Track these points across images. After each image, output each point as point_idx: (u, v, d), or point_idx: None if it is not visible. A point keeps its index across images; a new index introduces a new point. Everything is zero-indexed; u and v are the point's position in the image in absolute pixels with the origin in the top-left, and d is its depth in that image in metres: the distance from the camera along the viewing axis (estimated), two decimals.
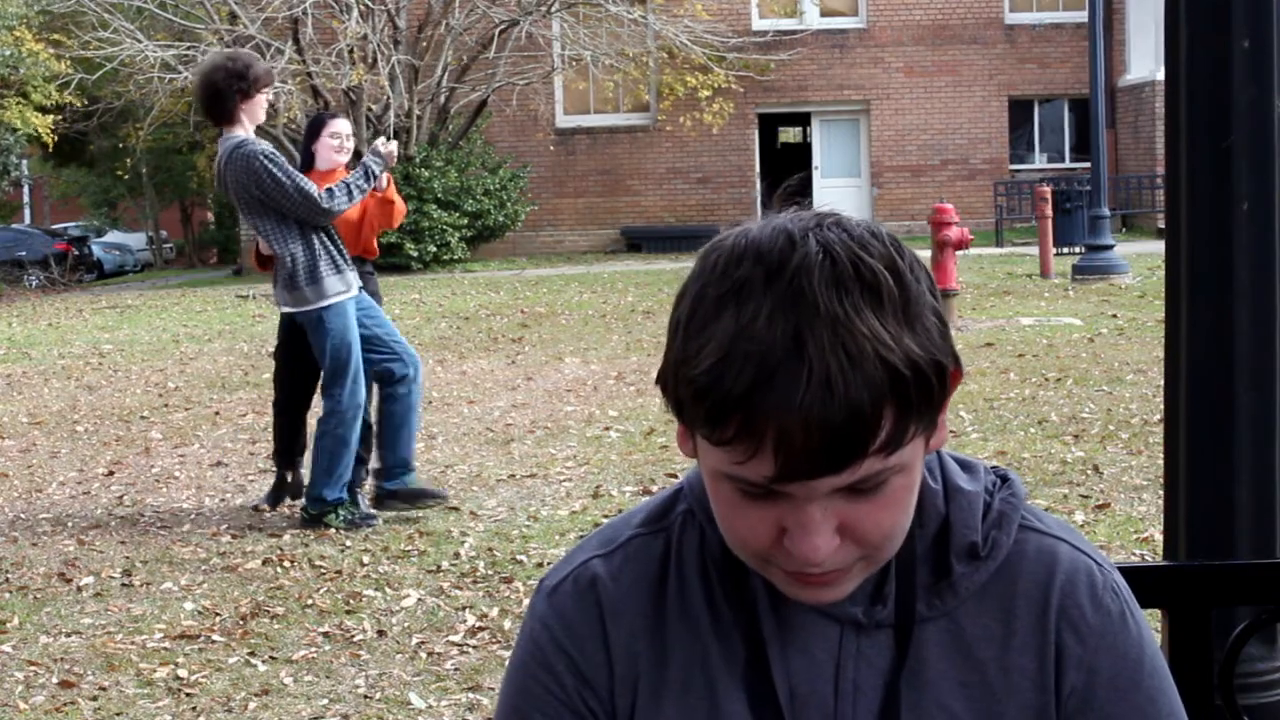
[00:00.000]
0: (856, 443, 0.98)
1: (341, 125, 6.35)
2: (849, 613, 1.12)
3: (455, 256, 22.01)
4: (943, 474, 1.15)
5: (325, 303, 5.85)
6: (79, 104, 22.99)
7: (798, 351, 0.96)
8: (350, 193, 5.89)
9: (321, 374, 6.01)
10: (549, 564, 4.94)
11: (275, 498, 6.37)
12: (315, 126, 6.37)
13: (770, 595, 1.13)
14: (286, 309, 5.99)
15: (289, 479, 6.34)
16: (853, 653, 1.12)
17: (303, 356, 6.11)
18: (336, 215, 5.90)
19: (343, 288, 5.89)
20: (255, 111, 5.88)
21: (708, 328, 1.00)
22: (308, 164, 6.27)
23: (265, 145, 5.84)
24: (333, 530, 5.86)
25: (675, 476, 6.35)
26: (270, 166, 5.73)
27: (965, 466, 1.17)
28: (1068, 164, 25.52)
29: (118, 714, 3.99)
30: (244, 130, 5.84)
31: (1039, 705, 1.12)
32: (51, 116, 23.75)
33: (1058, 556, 1.14)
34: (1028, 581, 1.13)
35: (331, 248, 5.90)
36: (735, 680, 1.13)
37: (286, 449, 6.35)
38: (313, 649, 4.45)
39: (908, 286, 1.00)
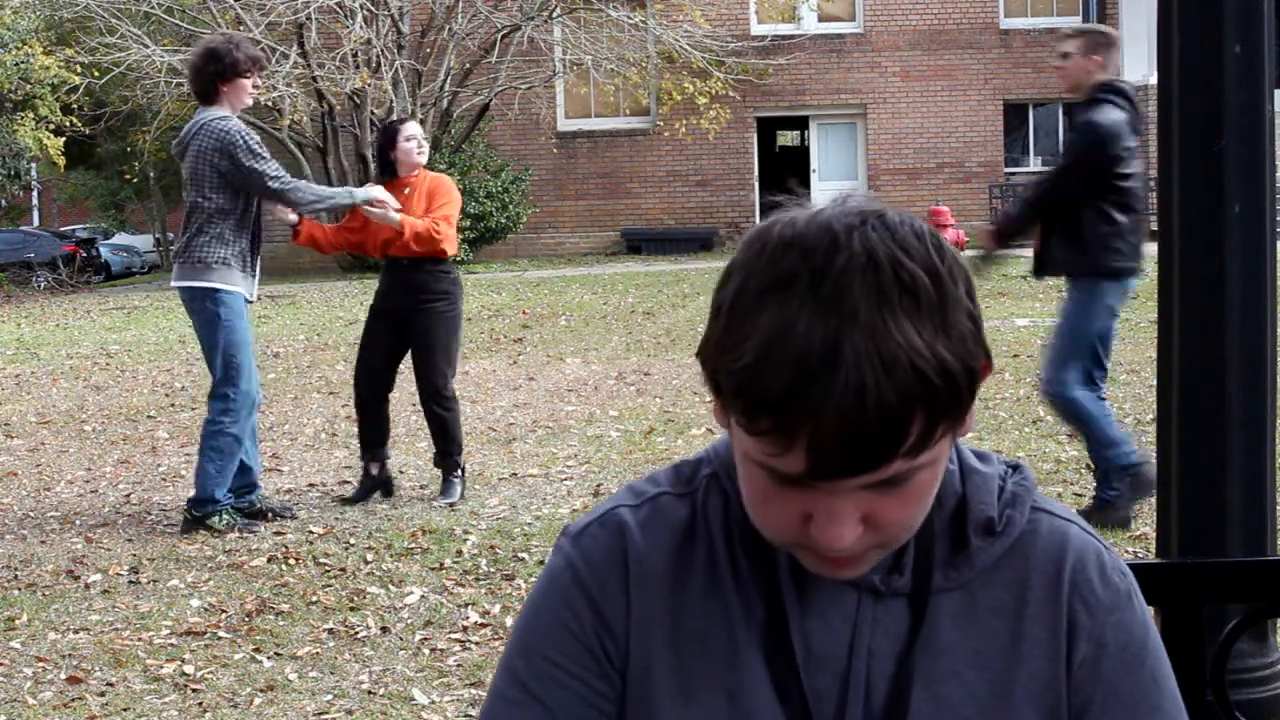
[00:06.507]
0: (886, 446, 1.01)
1: (415, 128, 6.38)
2: (867, 580, 1.16)
3: (458, 258, 22.06)
4: (959, 457, 1.21)
5: (220, 286, 5.84)
6: (79, 121, 22.92)
7: (834, 358, 0.99)
8: (318, 199, 5.97)
9: (217, 373, 5.90)
10: None
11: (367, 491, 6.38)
12: (389, 134, 6.34)
13: (792, 561, 1.16)
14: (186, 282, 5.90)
15: (374, 472, 6.40)
16: (869, 619, 1.16)
17: (379, 350, 6.25)
18: (282, 200, 5.93)
19: (240, 286, 5.91)
20: (238, 95, 5.95)
21: (749, 320, 1.02)
22: (388, 172, 6.31)
23: (243, 126, 5.92)
24: (337, 528, 5.91)
25: None
26: (248, 142, 5.83)
27: (979, 455, 1.23)
28: None
29: (125, 709, 4.01)
30: (225, 110, 5.93)
31: (1049, 674, 1.16)
32: (63, 139, 23.77)
33: (1069, 536, 1.20)
34: (1041, 557, 1.18)
35: (249, 252, 5.95)
36: (753, 640, 1.16)
37: (378, 441, 6.39)
38: (317, 645, 4.48)
39: (945, 291, 1.03)
